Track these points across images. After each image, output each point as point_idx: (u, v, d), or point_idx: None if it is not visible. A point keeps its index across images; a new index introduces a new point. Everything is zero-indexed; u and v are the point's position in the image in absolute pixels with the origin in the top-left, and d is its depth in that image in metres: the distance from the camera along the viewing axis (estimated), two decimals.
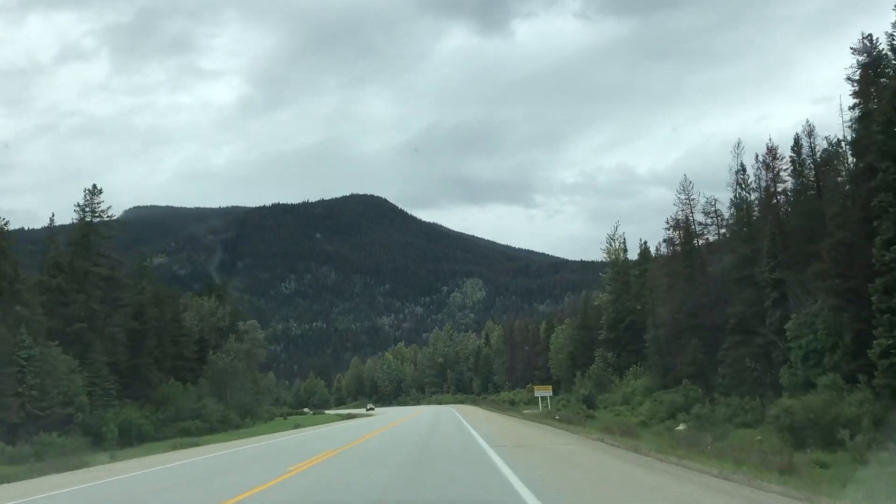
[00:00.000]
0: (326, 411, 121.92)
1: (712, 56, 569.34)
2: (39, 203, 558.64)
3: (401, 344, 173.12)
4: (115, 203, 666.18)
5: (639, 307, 68.97)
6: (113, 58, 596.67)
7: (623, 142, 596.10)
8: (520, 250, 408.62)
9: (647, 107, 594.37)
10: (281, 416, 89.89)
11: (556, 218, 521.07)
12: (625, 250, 73.04)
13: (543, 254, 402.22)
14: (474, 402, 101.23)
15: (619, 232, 73.68)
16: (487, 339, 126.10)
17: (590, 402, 54.47)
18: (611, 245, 73.95)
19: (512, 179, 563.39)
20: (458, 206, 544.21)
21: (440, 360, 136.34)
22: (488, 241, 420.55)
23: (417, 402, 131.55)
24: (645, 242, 71.48)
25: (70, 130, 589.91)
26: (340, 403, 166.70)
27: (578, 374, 75.96)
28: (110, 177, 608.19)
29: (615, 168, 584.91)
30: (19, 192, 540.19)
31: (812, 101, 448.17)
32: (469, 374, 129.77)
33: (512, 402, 80.00)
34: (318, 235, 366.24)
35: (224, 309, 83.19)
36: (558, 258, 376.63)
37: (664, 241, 50.99)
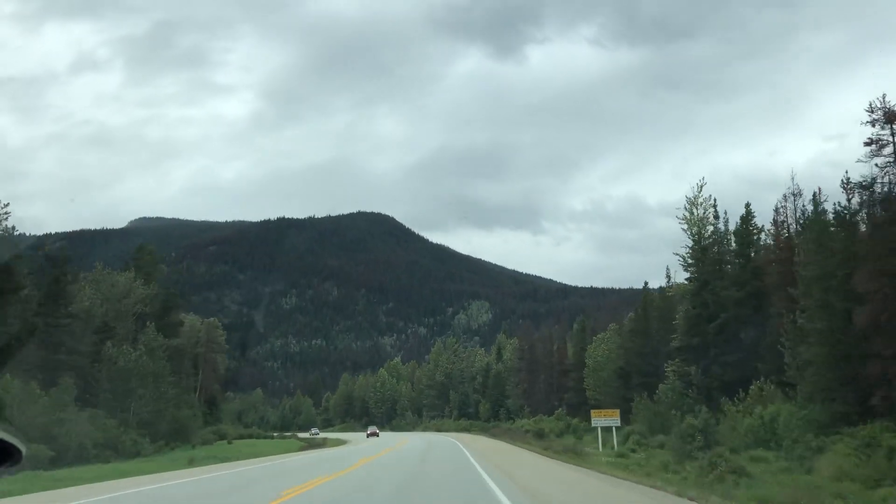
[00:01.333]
0: (304, 433, 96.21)
1: (725, 88, 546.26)
2: (47, 211, 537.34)
3: (397, 359, 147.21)
4: (122, 213, 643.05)
5: (742, 294, 43.91)
6: (127, 69, 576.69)
7: (633, 171, 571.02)
8: (527, 275, 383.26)
9: (659, 137, 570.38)
10: (227, 440, 64.08)
11: (564, 245, 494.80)
12: (715, 216, 47.93)
13: (551, 280, 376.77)
14: (484, 431, 75.42)
15: (705, 194, 48.70)
16: (499, 354, 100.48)
17: (708, 442, 29.14)
18: (692, 212, 48.88)
19: (520, 204, 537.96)
20: (464, 229, 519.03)
21: (442, 378, 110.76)
22: (495, 264, 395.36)
23: (413, 428, 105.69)
24: (748, 204, 46.56)
25: (81, 140, 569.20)
26: (328, 425, 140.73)
27: (640, 397, 50.42)
28: (120, 187, 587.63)
29: (624, 197, 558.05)
30: (29, 199, 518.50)
31: (825, 137, 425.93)
32: (475, 396, 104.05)
33: (539, 434, 54.33)
34: (321, 250, 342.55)
35: (148, 289, 58.14)
36: (567, 285, 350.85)
37: (868, 143, 25.72)
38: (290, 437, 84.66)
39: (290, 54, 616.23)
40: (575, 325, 77.32)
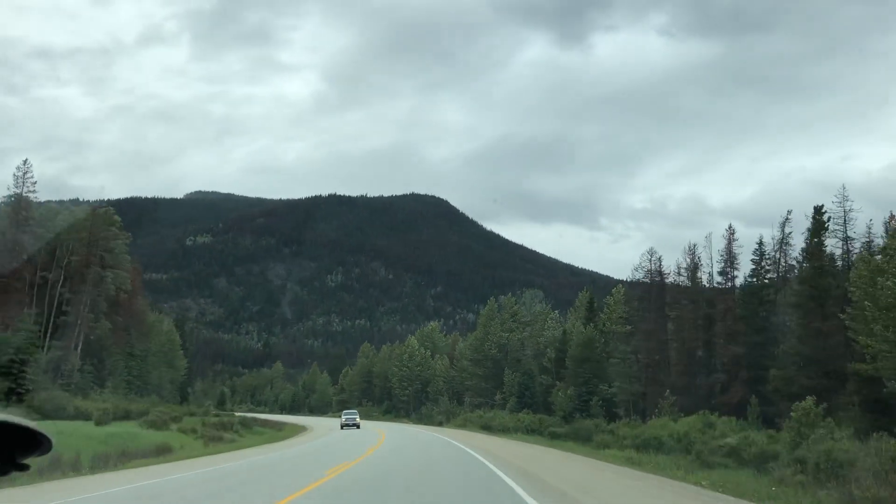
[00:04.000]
0: (288, 417, 55.50)
1: (799, 87, 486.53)
2: (110, 182, 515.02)
3: (433, 324, 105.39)
4: (182, 187, 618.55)
5: None
6: (193, 44, 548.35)
7: (697, 170, 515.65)
8: (583, 269, 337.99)
9: (726, 136, 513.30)
10: None
11: (622, 243, 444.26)
12: None
13: (608, 276, 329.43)
14: (602, 450, 32.99)
15: None
16: (590, 311, 57.59)
17: None
18: None
19: (578, 199, 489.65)
20: (519, 221, 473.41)
21: (493, 351, 69.23)
22: (549, 256, 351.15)
23: (447, 420, 64.18)
24: None
25: (146, 113, 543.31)
26: (345, 407, 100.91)
27: None
28: (182, 162, 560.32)
29: (687, 197, 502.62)
30: (92, 170, 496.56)
31: None
32: (545, 379, 62.37)
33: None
34: (371, 229, 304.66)
35: None
36: (629, 281, 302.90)
37: None
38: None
39: (355, 36, 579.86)
40: (811, 219, 33.92)
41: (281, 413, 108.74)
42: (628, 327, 51.41)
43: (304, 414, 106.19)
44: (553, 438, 40.04)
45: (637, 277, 46.30)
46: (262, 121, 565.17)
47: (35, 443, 2.23)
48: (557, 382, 56.69)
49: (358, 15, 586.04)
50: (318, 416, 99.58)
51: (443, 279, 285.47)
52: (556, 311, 74.96)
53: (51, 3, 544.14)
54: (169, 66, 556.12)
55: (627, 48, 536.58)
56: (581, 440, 35.69)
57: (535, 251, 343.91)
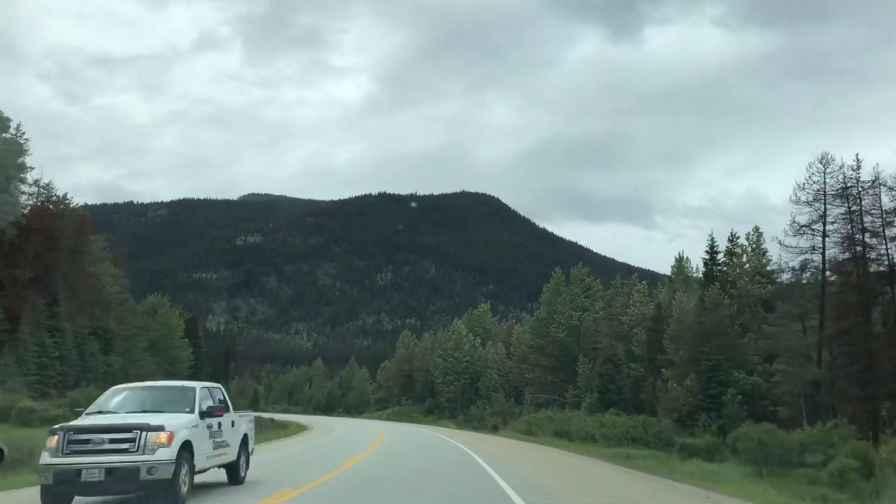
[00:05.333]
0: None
1: (862, 78, 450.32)
2: (165, 187, 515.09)
3: (485, 305, 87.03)
4: (234, 190, 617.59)
5: None
6: (246, 48, 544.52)
7: (756, 166, 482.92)
8: (639, 268, 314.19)
9: (786, 130, 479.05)
10: None
11: (678, 241, 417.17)
12: None
13: (667, 276, 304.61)
14: (782, 476, 16.04)
15: None
16: (712, 264, 38.16)
17: None
18: None
19: (631, 197, 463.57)
20: (571, 220, 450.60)
21: (561, 334, 51.05)
22: (604, 255, 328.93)
23: (504, 423, 46.36)
24: None
25: (201, 118, 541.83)
26: (383, 406, 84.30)
27: None
28: (236, 166, 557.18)
29: (745, 194, 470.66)
30: (149, 175, 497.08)
31: None
32: (633, 371, 44.47)
33: None
34: (421, 227, 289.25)
35: None
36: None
37: None
38: None
39: (404, 36, 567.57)
40: None
41: (314, 413, 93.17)
42: (768, 286, 33.16)
43: (338, 414, 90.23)
44: (692, 457, 22.12)
45: (802, 200, 28.00)
46: (313, 124, 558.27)
47: None
48: (663, 370, 38.45)
49: (407, 14, 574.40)
50: (354, 416, 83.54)
51: (495, 277, 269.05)
52: (644, 283, 56.39)
53: (108, 11, 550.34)
54: (222, 72, 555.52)
55: (682, 41, 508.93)
56: (768, 466, 17.65)
57: (589, 249, 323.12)
